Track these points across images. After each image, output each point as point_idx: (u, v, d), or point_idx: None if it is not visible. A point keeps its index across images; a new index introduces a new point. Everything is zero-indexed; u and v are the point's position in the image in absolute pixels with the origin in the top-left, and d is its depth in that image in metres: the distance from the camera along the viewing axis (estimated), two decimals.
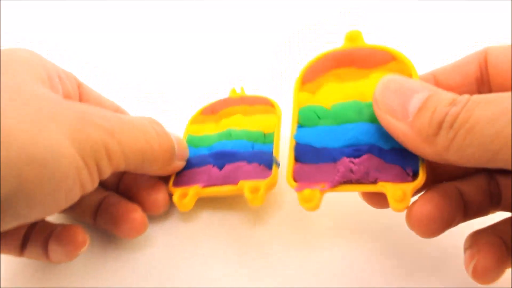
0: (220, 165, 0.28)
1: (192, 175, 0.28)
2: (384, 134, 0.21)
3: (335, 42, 0.41)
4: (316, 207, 0.22)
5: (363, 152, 0.22)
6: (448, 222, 0.21)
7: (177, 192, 0.27)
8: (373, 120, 0.22)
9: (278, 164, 0.26)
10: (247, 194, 0.25)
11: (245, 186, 0.25)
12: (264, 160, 0.27)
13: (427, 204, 0.21)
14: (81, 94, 0.27)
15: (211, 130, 0.31)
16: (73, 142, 0.20)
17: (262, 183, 0.25)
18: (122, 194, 0.28)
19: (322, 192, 0.22)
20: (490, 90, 0.22)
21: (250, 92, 0.33)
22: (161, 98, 0.37)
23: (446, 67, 0.23)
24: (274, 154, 0.27)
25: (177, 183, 0.28)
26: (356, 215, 0.27)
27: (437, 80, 0.23)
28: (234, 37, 0.42)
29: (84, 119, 0.21)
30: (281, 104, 0.30)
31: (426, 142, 0.19)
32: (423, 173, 0.21)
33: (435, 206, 0.21)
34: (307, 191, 0.22)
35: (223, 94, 0.37)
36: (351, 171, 0.22)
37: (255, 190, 0.25)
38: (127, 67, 0.40)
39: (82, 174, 0.20)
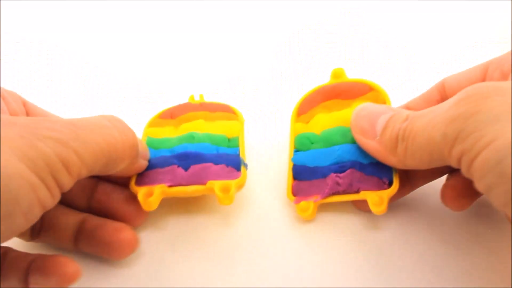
0: (185, 166, 0.27)
1: (155, 175, 0.27)
2: (363, 151, 0.26)
3: (335, 42, 0.41)
4: (311, 215, 0.27)
5: (347, 168, 0.27)
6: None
7: (141, 191, 0.26)
8: (355, 141, 0.27)
9: (246, 166, 0.28)
10: (218, 193, 0.25)
11: (216, 185, 0.26)
12: (231, 162, 0.28)
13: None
14: (28, 112, 0.27)
15: (171, 134, 0.31)
16: (23, 160, 0.19)
17: (232, 183, 0.26)
18: (96, 213, 0.27)
19: (315, 203, 0.27)
20: None
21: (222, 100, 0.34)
22: (161, 98, 0.37)
23: (416, 98, 0.29)
24: (241, 156, 0.28)
25: (140, 183, 0.27)
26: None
27: (408, 107, 0.28)
28: (234, 37, 0.42)
29: (32, 134, 0.20)
30: (242, 112, 0.32)
31: (391, 154, 0.24)
32: (396, 182, 0.26)
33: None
34: (303, 203, 0.27)
35: (223, 94, 0.37)
36: (338, 184, 0.27)
37: (225, 190, 0.25)
38: (127, 67, 0.40)
39: (39, 191, 0.19)
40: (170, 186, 0.26)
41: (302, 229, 0.28)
